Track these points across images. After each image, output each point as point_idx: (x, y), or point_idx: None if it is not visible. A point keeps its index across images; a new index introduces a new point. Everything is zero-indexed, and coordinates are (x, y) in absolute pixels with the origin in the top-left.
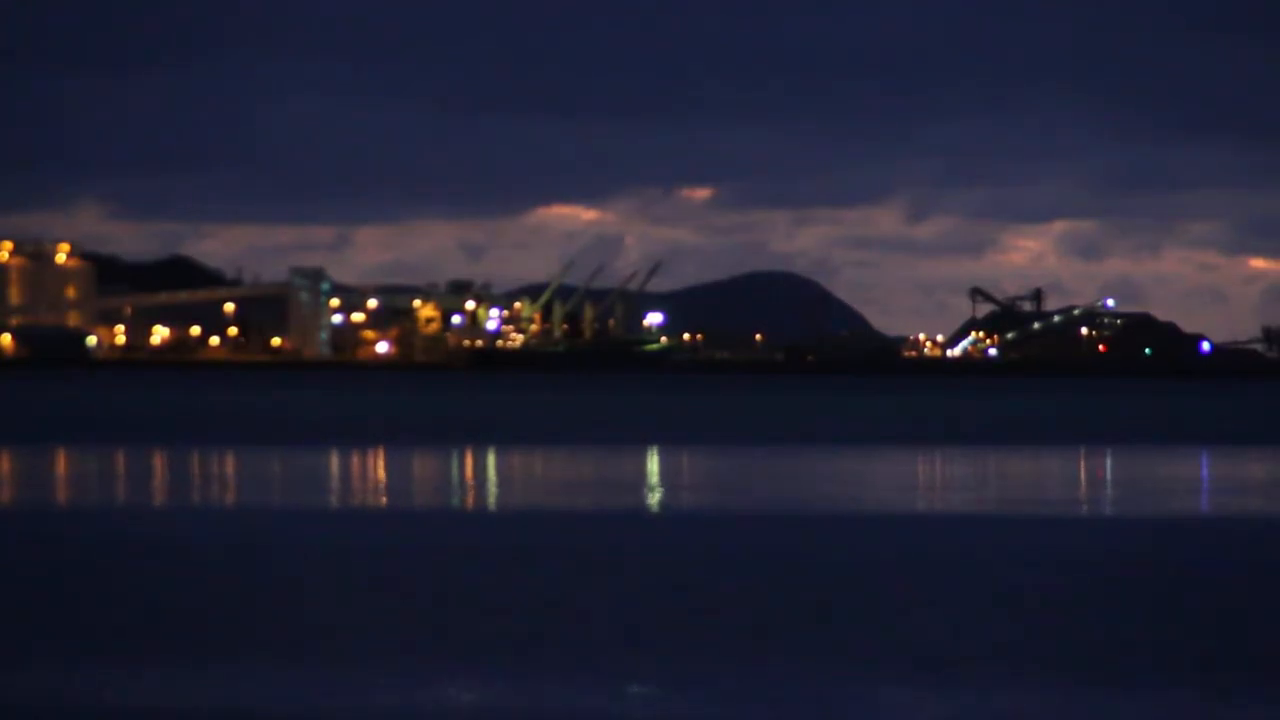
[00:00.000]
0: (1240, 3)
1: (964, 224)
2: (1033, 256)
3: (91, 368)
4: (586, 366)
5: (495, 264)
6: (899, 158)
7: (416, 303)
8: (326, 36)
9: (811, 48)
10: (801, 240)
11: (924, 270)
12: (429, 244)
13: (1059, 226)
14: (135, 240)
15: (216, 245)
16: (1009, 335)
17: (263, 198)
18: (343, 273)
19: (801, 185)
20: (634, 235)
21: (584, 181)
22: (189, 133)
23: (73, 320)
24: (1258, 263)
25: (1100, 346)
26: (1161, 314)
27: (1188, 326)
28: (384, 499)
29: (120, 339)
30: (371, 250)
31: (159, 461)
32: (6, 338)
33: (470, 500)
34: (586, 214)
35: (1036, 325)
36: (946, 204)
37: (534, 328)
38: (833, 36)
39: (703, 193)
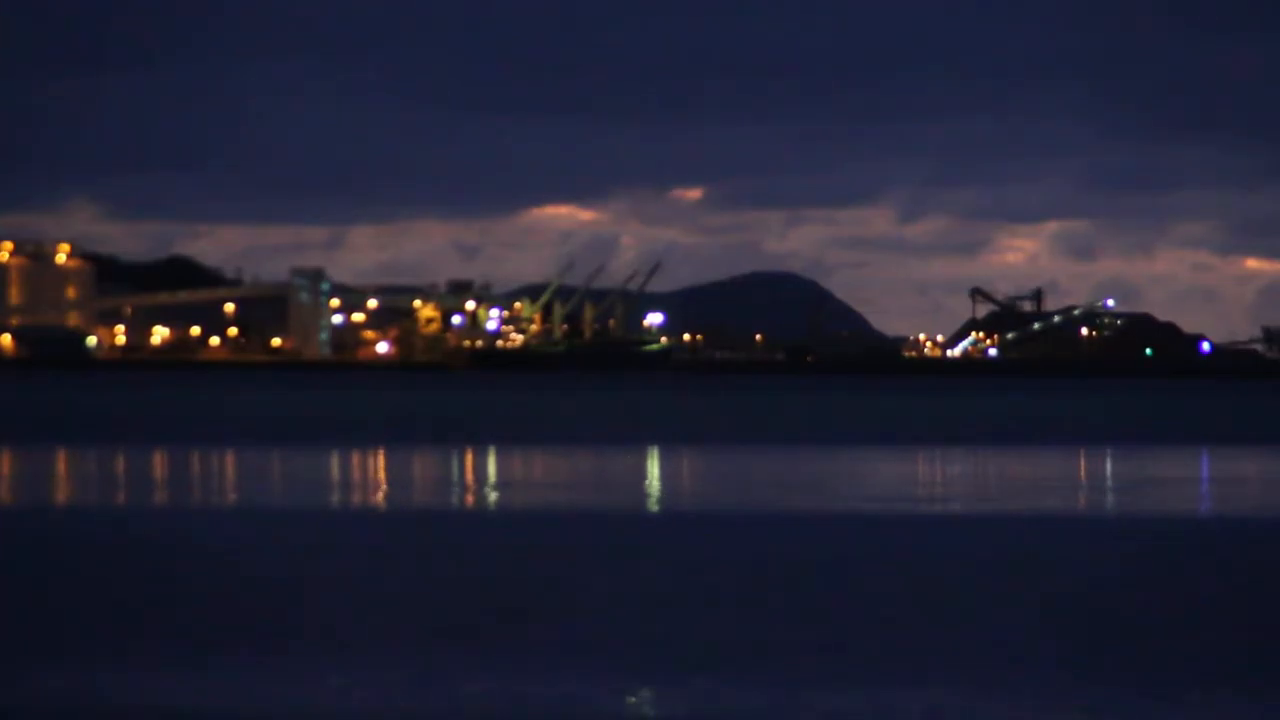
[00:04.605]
0: (1235, 2)
1: (957, 224)
2: (1027, 256)
3: (91, 368)
4: (586, 366)
5: (489, 264)
6: (891, 157)
7: (416, 303)
8: (319, 36)
9: (802, 47)
10: (794, 240)
11: (918, 270)
12: (423, 244)
13: (1052, 226)
14: (128, 240)
15: (210, 245)
16: (1009, 335)
17: (256, 197)
18: (337, 273)
19: (794, 185)
20: (627, 235)
21: (577, 182)
22: (182, 132)
23: (73, 320)
24: (1252, 263)
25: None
26: (1155, 314)
27: (1182, 326)
28: (381, 499)
29: (120, 339)
30: (366, 250)
31: (158, 462)
32: (6, 338)
33: (467, 500)
34: (579, 214)
35: (1037, 325)
36: (939, 204)
37: (534, 328)
38: (824, 36)
39: (694, 193)
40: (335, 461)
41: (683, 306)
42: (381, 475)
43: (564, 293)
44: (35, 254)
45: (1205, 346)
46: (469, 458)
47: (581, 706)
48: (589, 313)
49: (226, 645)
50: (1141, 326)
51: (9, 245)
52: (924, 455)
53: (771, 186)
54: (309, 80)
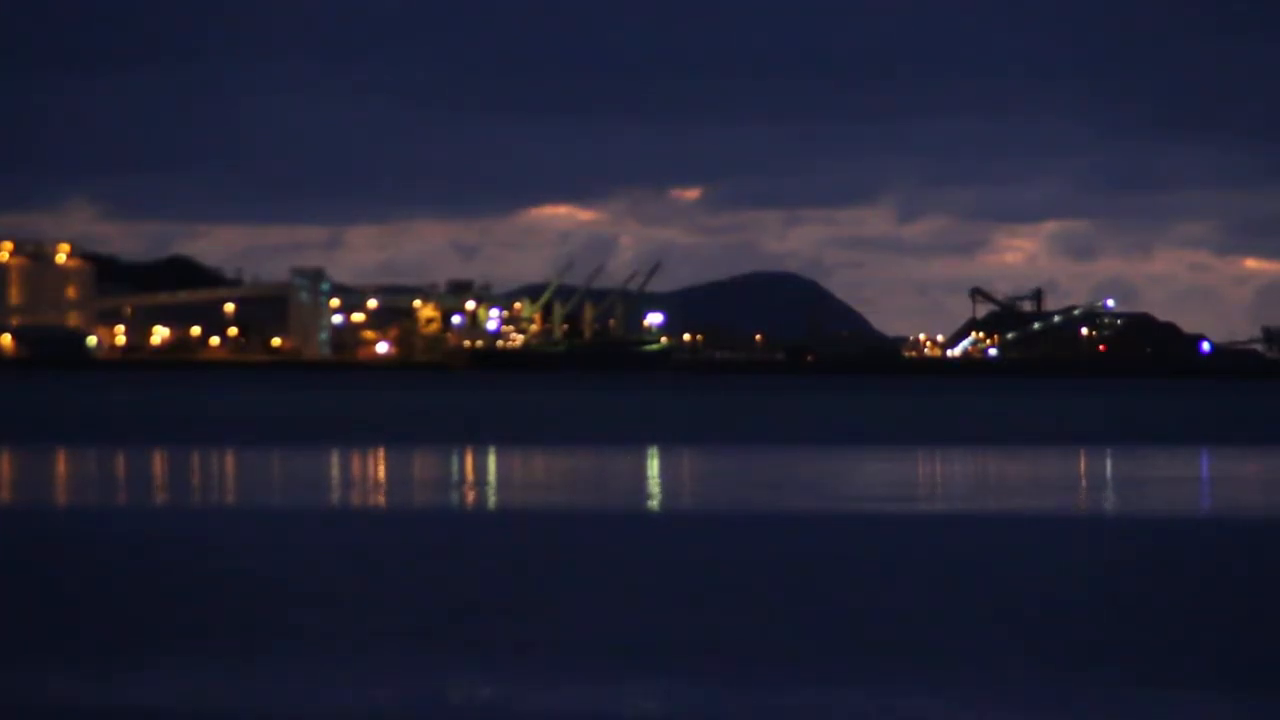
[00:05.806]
0: (1233, 2)
1: (956, 224)
2: (1026, 256)
3: (91, 368)
4: (586, 366)
5: (488, 264)
6: (891, 157)
7: (416, 303)
8: (319, 36)
9: (801, 48)
10: (793, 240)
11: (917, 270)
12: (422, 244)
13: (1051, 226)
14: (128, 240)
15: (210, 245)
16: (1009, 335)
17: (254, 197)
18: (337, 273)
19: (793, 185)
20: (627, 235)
21: (576, 182)
22: (180, 133)
23: (73, 320)
24: (1250, 263)
25: (1100, 346)
26: (1155, 314)
27: (1182, 326)
28: (380, 499)
29: (120, 339)
30: (364, 250)
31: (158, 461)
32: (6, 338)
33: (466, 500)
34: (578, 214)
35: (1037, 325)
36: (938, 204)
37: (534, 328)
38: (823, 36)
39: (693, 193)
40: (334, 461)
41: (682, 306)
42: (380, 475)
43: (564, 293)
44: (35, 254)
45: (1205, 346)
46: (468, 458)
47: (580, 706)
48: (589, 313)
49: (225, 645)
50: (1141, 326)
51: (9, 245)
52: (924, 455)
53: (771, 186)
54: (309, 80)
